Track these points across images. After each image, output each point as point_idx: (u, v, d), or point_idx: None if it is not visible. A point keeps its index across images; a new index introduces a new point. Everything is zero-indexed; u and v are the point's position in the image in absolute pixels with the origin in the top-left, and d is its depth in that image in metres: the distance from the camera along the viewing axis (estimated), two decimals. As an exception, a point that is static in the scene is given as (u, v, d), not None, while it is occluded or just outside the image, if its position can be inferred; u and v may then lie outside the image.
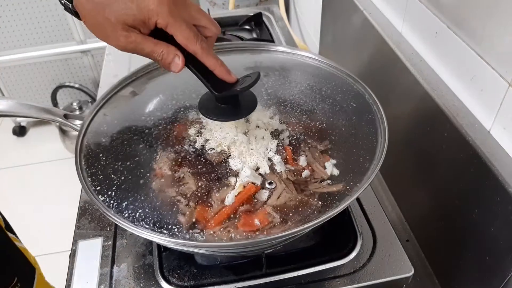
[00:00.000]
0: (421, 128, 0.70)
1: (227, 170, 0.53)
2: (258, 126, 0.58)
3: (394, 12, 0.81)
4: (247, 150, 0.55)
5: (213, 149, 0.56)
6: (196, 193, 0.51)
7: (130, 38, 0.48)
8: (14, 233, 0.90)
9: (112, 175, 0.53)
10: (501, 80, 0.54)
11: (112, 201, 0.50)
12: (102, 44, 2.01)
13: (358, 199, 0.68)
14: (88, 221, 0.67)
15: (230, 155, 0.55)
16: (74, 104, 2.18)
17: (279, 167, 0.53)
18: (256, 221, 0.48)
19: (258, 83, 0.52)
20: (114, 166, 0.54)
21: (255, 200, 0.51)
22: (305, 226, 0.45)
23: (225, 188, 0.51)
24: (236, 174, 0.53)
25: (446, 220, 0.67)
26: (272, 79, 0.67)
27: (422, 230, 0.76)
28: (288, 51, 0.72)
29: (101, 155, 0.56)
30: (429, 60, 0.71)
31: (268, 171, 0.53)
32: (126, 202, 0.50)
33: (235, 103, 0.54)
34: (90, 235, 0.65)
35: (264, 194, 0.51)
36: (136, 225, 0.48)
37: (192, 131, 0.58)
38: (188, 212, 0.49)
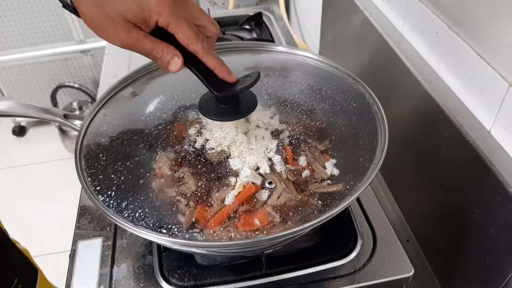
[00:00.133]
0: (421, 128, 0.70)
1: (227, 170, 0.53)
2: (258, 126, 0.58)
3: (395, 12, 0.81)
4: (247, 150, 0.55)
5: (213, 149, 0.56)
6: (196, 193, 0.51)
7: (131, 35, 0.48)
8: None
9: (112, 175, 0.53)
10: (502, 80, 0.54)
11: (112, 201, 0.50)
12: (102, 43, 2.03)
13: (358, 199, 0.68)
14: (88, 221, 0.67)
15: (230, 155, 0.55)
16: (74, 104, 2.18)
17: (279, 167, 0.53)
18: (256, 221, 0.48)
19: (258, 83, 0.52)
20: (114, 166, 0.54)
21: (255, 200, 0.51)
22: (305, 225, 0.45)
23: (225, 188, 0.51)
24: (236, 174, 0.53)
25: (446, 220, 0.67)
26: (272, 79, 0.67)
27: (422, 230, 0.76)
28: (288, 51, 0.72)
29: (101, 155, 0.56)
30: (429, 60, 0.71)
31: (268, 171, 0.53)
32: (126, 202, 0.50)
33: (235, 103, 0.54)
34: (90, 235, 0.65)
35: (264, 194, 0.51)
36: (136, 225, 0.48)
37: (192, 131, 0.58)
38: (188, 212, 0.49)
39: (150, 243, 0.62)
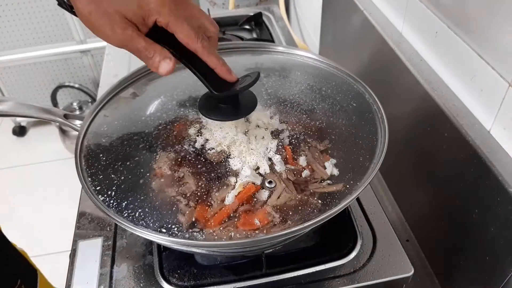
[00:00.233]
0: (421, 128, 0.70)
1: (227, 170, 0.53)
2: (258, 126, 0.58)
3: (394, 12, 0.81)
4: (247, 149, 0.55)
5: (213, 148, 0.56)
6: (196, 192, 0.51)
7: (126, 31, 0.47)
8: None
9: (112, 175, 0.53)
10: (501, 80, 0.54)
11: (112, 201, 0.50)
12: (102, 44, 2.03)
13: (358, 199, 0.68)
14: (88, 221, 0.67)
15: (230, 155, 0.55)
16: (74, 104, 2.18)
17: (279, 167, 0.53)
18: (256, 221, 0.48)
19: (258, 82, 0.52)
20: (114, 166, 0.54)
21: (255, 200, 0.51)
22: (305, 225, 0.45)
23: (225, 187, 0.51)
24: (236, 174, 0.53)
25: (446, 220, 0.67)
26: (272, 79, 0.67)
27: (422, 230, 0.76)
28: (288, 51, 0.72)
29: (101, 155, 0.56)
30: (429, 60, 0.71)
31: (268, 170, 0.53)
32: (126, 202, 0.50)
33: (235, 103, 0.54)
34: (90, 235, 0.65)
35: (264, 194, 0.51)
36: (136, 224, 0.48)
37: (192, 131, 0.58)
38: (188, 212, 0.49)
39: (150, 243, 0.63)
